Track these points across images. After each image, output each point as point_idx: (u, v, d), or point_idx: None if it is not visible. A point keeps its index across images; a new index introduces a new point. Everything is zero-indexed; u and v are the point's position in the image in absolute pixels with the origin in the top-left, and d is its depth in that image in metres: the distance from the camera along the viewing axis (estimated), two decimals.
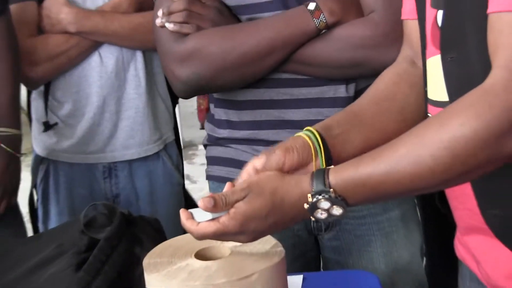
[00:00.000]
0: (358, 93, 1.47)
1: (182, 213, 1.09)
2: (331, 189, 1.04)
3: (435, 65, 1.12)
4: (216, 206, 1.07)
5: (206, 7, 1.51)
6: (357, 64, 1.43)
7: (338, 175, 1.05)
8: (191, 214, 1.09)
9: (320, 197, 1.04)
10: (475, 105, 0.96)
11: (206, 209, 1.07)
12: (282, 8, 1.48)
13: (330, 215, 1.06)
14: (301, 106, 1.52)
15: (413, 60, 1.27)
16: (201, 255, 1.17)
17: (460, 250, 1.22)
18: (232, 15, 1.53)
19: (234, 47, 1.47)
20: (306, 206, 1.06)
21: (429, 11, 1.13)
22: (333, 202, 1.04)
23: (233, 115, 1.59)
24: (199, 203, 1.07)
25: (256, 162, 1.15)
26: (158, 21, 1.53)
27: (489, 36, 0.98)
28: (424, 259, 1.64)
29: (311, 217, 1.07)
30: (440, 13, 1.09)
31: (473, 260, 1.19)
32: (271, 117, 1.55)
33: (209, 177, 1.67)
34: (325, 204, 1.05)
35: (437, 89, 1.12)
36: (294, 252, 1.59)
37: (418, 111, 1.24)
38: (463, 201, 1.14)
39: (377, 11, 1.42)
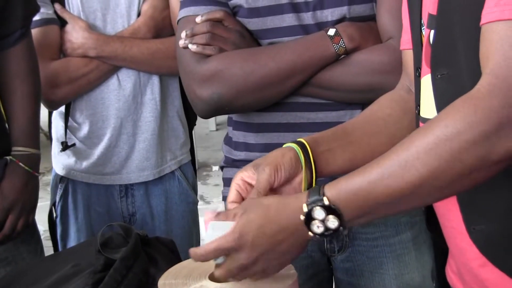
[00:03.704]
0: None
1: (190, 250, 1.12)
2: (325, 197, 1.04)
3: (427, 83, 1.12)
4: (218, 215, 1.11)
5: (229, 30, 1.53)
6: (374, 88, 1.43)
7: (332, 186, 1.05)
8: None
9: (314, 204, 1.04)
10: (460, 109, 0.96)
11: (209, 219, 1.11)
12: (302, 34, 1.50)
13: (326, 228, 1.04)
14: (318, 130, 1.50)
15: (409, 89, 1.28)
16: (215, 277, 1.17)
17: (452, 277, 1.21)
18: (254, 39, 1.55)
19: (255, 69, 1.48)
20: (302, 217, 1.05)
21: (425, 32, 1.15)
22: (328, 210, 1.03)
23: (250, 138, 1.60)
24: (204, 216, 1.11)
25: (244, 174, 1.18)
26: (181, 42, 1.55)
27: (481, 48, 0.99)
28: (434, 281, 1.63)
29: (308, 232, 1.06)
30: (432, 32, 1.11)
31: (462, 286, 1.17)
32: (287, 140, 1.54)
33: (225, 198, 1.67)
34: (319, 214, 1.04)
35: (428, 106, 1.13)
36: (308, 273, 1.60)
37: None
38: (449, 218, 1.13)
39: (394, 37, 1.44)
